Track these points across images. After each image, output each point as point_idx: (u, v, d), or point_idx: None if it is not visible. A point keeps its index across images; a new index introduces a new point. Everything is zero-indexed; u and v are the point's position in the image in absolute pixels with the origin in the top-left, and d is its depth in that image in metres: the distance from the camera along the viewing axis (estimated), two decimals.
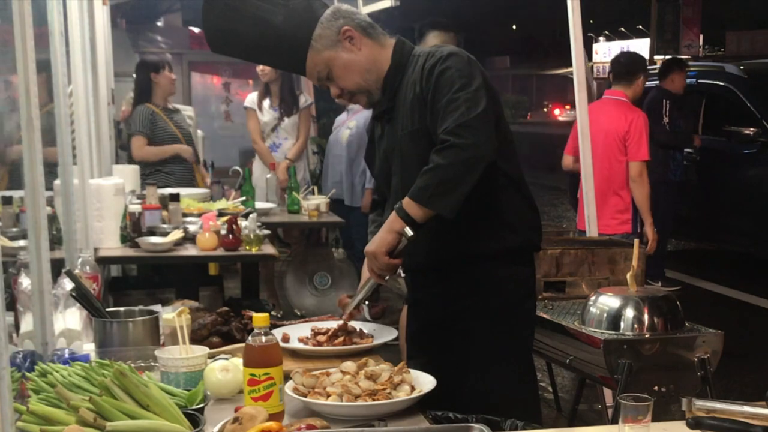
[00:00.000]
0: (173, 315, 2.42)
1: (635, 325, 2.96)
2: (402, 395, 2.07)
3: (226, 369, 2.15)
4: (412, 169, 2.38)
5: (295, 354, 2.50)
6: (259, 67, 6.36)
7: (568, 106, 39.75)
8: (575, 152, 5.50)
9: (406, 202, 2.32)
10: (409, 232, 2.33)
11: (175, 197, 4.67)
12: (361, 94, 2.51)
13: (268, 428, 1.74)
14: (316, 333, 2.56)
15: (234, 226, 4.27)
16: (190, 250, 4.34)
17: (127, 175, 5.10)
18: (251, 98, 6.52)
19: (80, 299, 2.51)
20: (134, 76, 6.45)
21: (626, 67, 5.44)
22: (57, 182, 3.41)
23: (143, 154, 5.91)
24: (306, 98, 6.55)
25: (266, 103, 6.44)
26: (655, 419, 1.79)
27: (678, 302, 3.08)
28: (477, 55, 2.49)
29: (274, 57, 2.61)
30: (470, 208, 2.36)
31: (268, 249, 4.41)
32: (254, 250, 4.31)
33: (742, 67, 8.78)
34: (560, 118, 37.10)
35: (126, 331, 2.41)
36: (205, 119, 10.07)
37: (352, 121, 6.19)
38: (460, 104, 2.29)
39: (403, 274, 2.74)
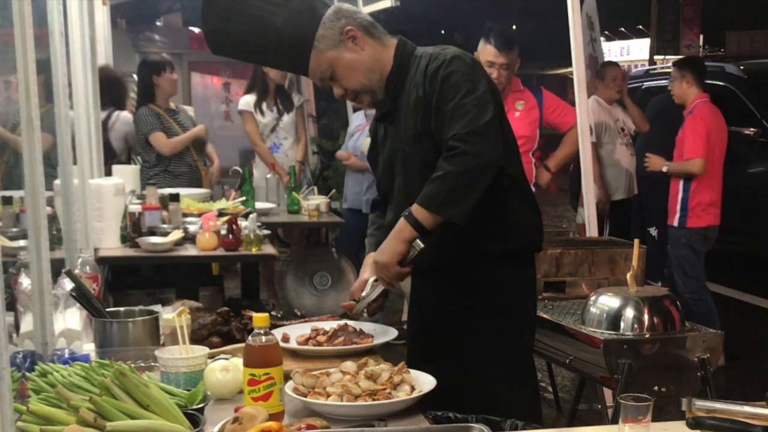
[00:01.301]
0: (173, 315, 2.41)
1: (635, 325, 2.96)
2: (402, 395, 2.06)
3: (226, 369, 2.15)
4: (415, 171, 2.37)
5: (295, 354, 2.50)
6: (271, 71, 6.17)
7: None
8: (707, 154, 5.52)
9: (416, 209, 2.30)
10: (420, 244, 2.31)
11: (175, 197, 4.67)
12: (364, 93, 2.50)
13: (268, 428, 1.74)
14: (316, 333, 2.56)
15: (234, 226, 4.27)
16: (190, 250, 4.34)
17: (127, 175, 5.10)
18: (245, 101, 6.36)
19: (80, 299, 2.51)
20: (134, 76, 6.43)
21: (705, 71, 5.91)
22: (57, 182, 3.41)
23: (171, 147, 5.84)
24: (299, 97, 6.49)
25: (263, 105, 6.38)
26: (655, 419, 1.78)
27: (678, 302, 3.08)
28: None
29: (275, 58, 2.60)
30: (475, 210, 2.35)
31: (268, 249, 4.41)
32: (254, 250, 4.31)
33: (742, 67, 8.76)
34: None
35: (126, 331, 2.41)
36: (205, 119, 10.01)
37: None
38: (469, 110, 2.28)
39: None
